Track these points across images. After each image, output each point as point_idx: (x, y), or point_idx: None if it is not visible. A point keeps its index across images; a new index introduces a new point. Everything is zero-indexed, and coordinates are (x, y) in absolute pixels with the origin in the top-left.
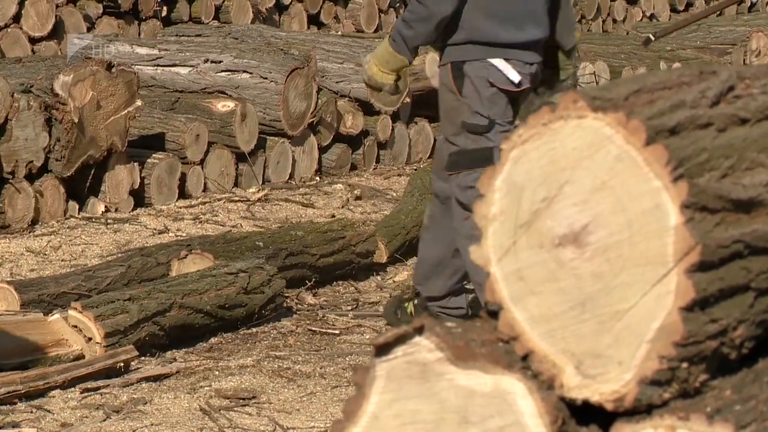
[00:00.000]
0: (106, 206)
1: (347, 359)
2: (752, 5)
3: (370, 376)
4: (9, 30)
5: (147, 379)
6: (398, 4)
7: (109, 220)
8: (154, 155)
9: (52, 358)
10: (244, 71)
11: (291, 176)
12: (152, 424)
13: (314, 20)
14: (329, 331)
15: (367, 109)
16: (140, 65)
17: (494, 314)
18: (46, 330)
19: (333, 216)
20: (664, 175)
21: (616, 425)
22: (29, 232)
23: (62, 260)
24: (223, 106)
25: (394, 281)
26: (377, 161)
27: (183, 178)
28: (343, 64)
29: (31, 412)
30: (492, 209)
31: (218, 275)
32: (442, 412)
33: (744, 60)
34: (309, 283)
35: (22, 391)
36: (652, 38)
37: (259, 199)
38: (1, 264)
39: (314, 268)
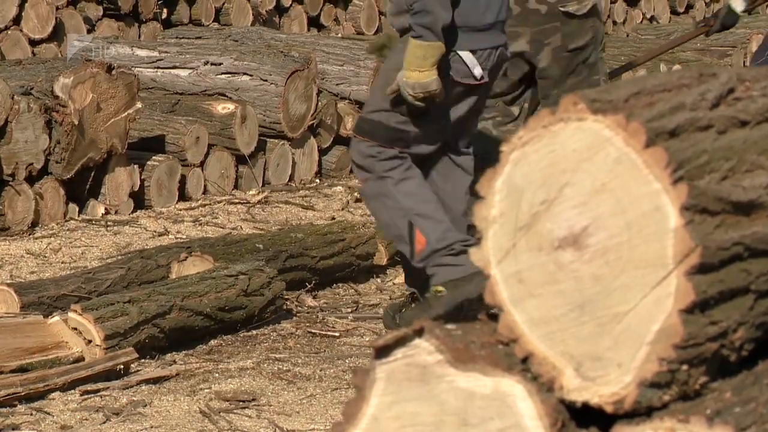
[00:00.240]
0: (106, 208)
1: (347, 361)
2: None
3: (370, 379)
4: (9, 32)
5: (147, 381)
6: None
7: (109, 223)
8: (154, 157)
9: (51, 360)
10: (244, 73)
11: (291, 178)
12: (152, 427)
13: (314, 22)
14: (329, 333)
15: None
16: (140, 67)
17: (494, 316)
18: (45, 332)
19: (333, 218)
20: (664, 178)
21: (616, 427)
22: (29, 235)
23: (62, 262)
24: (223, 108)
25: (394, 283)
26: None
27: (183, 181)
28: (343, 66)
29: (31, 414)
30: (492, 211)
31: (218, 277)
32: (442, 414)
33: (744, 62)
34: (309, 286)
35: (22, 394)
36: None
37: (259, 202)
38: (1, 266)
39: (314, 270)
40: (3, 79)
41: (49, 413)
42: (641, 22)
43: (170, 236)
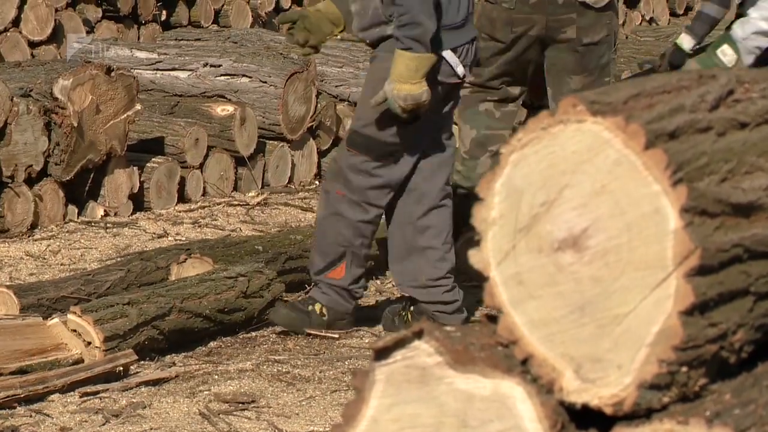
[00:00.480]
0: (105, 210)
1: (346, 363)
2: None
3: (370, 380)
4: (8, 34)
5: (146, 383)
6: None
7: (108, 224)
8: (153, 159)
9: (51, 362)
10: (244, 75)
11: (290, 180)
12: (151, 429)
13: None
14: (328, 335)
15: None
16: (139, 69)
17: (493, 318)
18: (45, 334)
19: None
20: (664, 179)
21: (616, 429)
22: (28, 236)
23: (61, 264)
24: (223, 110)
25: (394, 285)
26: None
27: (182, 182)
28: (342, 68)
29: (31, 416)
30: (491, 213)
31: (217, 279)
32: (442, 416)
33: None
34: (308, 287)
35: (22, 396)
36: None
37: (258, 203)
38: (0, 268)
39: None
40: (2, 81)
41: (48, 415)
42: (640, 23)
43: (169, 238)
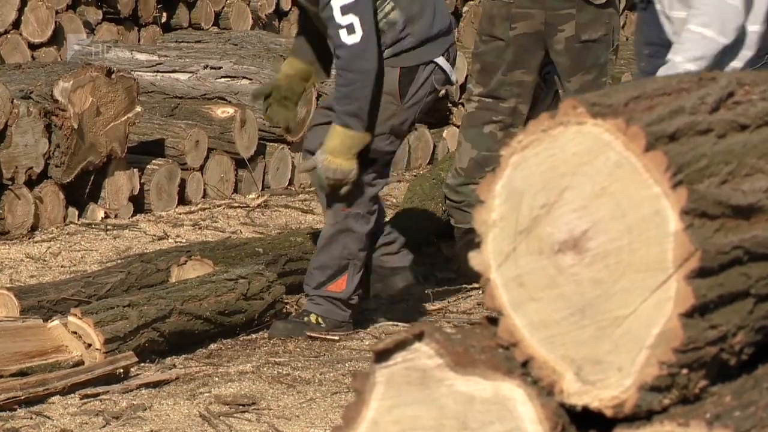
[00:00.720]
0: (105, 212)
1: (347, 365)
2: None
3: (370, 383)
4: (9, 36)
5: (146, 385)
6: None
7: (108, 227)
8: (153, 161)
9: (51, 364)
10: (244, 77)
11: (290, 182)
12: (152, 431)
13: None
14: (328, 337)
15: None
16: (140, 71)
17: (494, 320)
18: (45, 336)
19: None
20: (664, 181)
21: (616, 431)
22: (29, 239)
23: (62, 266)
24: (223, 112)
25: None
26: None
27: (182, 184)
28: None
29: (31, 418)
30: (492, 215)
31: (218, 281)
32: (442, 418)
33: None
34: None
35: (22, 398)
36: None
37: (258, 205)
38: (0, 270)
39: None
40: (3, 83)
41: (48, 417)
42: None
43: (170, 240)
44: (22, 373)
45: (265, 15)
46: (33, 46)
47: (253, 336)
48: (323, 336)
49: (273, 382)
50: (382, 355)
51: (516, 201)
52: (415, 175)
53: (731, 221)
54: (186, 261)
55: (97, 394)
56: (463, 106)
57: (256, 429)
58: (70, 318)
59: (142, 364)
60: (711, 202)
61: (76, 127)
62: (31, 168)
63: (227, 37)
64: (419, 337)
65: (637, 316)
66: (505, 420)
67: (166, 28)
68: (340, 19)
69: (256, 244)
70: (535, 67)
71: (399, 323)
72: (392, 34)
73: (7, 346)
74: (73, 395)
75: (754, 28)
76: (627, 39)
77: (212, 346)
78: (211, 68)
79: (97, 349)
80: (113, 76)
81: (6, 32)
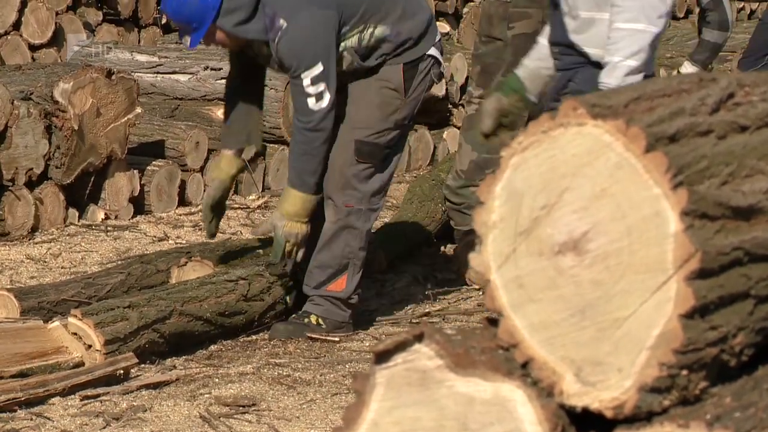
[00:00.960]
0: (105, 213)
1: (347, 366)
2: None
3: (370, 384)
4: (9, 37)
5: (147, 386)
6: None
7: (108, 228)
8: (153, 162)
9: (51, 365)
10: None
11: None
12: None
13: None
14: (329, 338)
15: None
16: (140, 72)
17: (494, 322)
18: (45, 337)
19: None
20: (664, 183)
21: None
22: (29, 240)
23: (62, 267)
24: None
25: (394, 288)
26: None
27: (183, 186)
28: None
29: (31, 419)
30: (492, 216)
31: (218, 282)
32: (442, 419)
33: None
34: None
35: (22, 399)
36: None
37: (259, 207)
38: (1, 271)
39: None
40: (3, 85)
41: (49, 418)
42: None
43: (170, 241)
44: (22, 375)
45: None
46: (33, 48)
47: (254, 337)
48: (323, 337)
49: (273, 384)
50: (382, 356)
51: (516, 202)
52: (415, 176)
53: (731, 222)
54: (186, 262)
55: (98, 396)
56: (464, 107)
57: (256, 430)
58: (71, 319)
59: (143, 366)
60: (711, 203)
61: (76, 128)
62: (32, 169)
63: None
64: (419, 338)
65: (637, 318)
66: (505, 421)
67: (167, 29)
68: (310, 89)
69: (257, 246)
70: None
71: (399, 324)
72: (388, 45)
73: (8, 347)
74: (73, 396)
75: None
76: None
77: (212, 347)
78: (212, 69)
79: (97, 350)
80: (113, 77)
81: (6, 33)
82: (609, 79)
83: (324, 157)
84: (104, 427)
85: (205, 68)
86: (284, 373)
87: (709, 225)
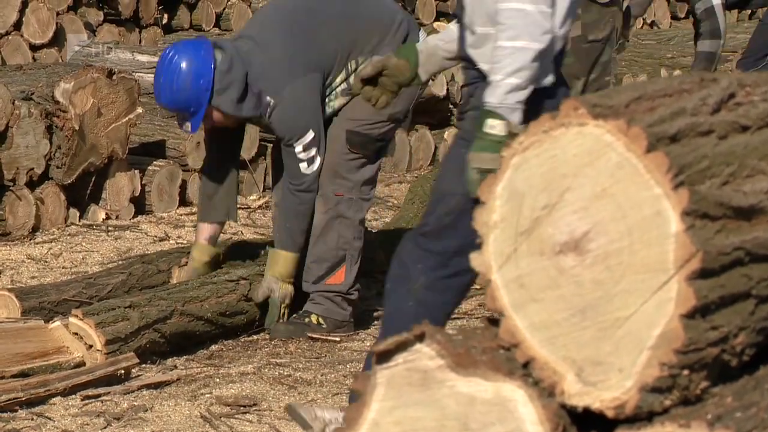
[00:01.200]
0: (106, 213)
1: (348, 366)
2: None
3: (371, 384)
4: (10, 37)
5: (148, 386)
6: None
7: (109, 228)
8: (154, 162)
9: (52, 365)
10: None
11: None
12: None
13: None
14: (330, 338)
15: None
16: (141, 72)
17: (495, 321)
18: (46, 337)
19: None
20: (665, 183)
21: None
22: (30, 240)
23: (63, 267)
24: None
25: None
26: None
27: (184, 186)
28: None
29: (32, 419)
30: (493, 216)
31: (219, 282)
32: (443, 419)
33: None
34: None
35: (23, 399)
36: None
37: (260, 207)
38: (1, 271)
39: None
40: (4, 85)
41: (50, 418)
42: (642, 27)
43: (171, 241)
44: (23, 374)
45: None
46: (34, 48)
47: (254, 337)
48: (324, 337)
49: (274, 384)
50: (383, 356)
51: (517, 202)
52: (416, 176)
53: (732, 222)
54: (187, 262)
55: (99, 395)
56: None
57: (257, 430)
58: (72, 319)
59: (143, 365)
60: (712, 203)
61: (77, 128)
62: (33, 169)
63: None
64: (420, 338)
65: (638, 317)
66: (506, 421)
67: (167, 29)
68: (302, 155)
69: (258, 246)
70: None
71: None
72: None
73: (9, 347)
74: (74, 396)
75: (554, 32)
76: (628, 40)
77: (213, 347)
78: None
79: (98, 350)
80: (114, 77)
81: (7, 33)
82: (491, 98)
83: (312, 215)
84: (105, 427)
85: None
86: (285, 373)
87: (710, 225)
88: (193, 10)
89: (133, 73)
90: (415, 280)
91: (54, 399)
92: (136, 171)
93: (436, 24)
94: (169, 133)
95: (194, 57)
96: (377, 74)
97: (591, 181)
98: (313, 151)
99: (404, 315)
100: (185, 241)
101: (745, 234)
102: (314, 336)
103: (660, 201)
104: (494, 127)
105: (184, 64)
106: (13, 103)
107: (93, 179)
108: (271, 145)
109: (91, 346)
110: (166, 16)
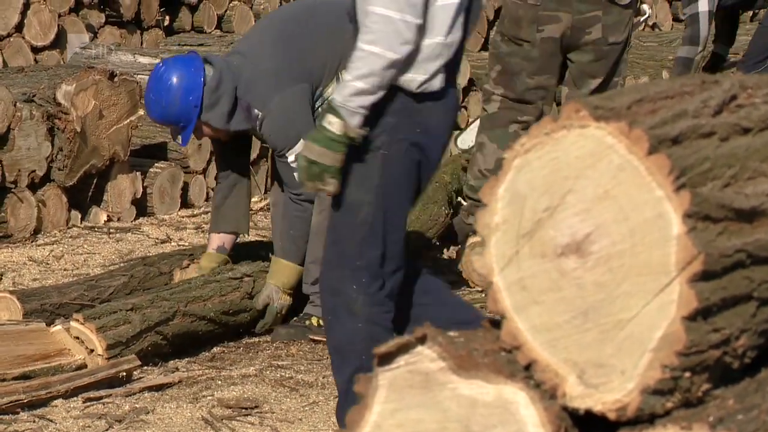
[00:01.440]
0: (108, 215)
1: None
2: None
3: (373, 386)
4: (11, 39)
5: (149, 388)
6: None
7: (111, 230)
8: (156, 164)
9: (54, 367)
10: None
11: None
12: None
13: None
14: None
15: None
16: (142, 74)
17: (497, 324)
18: (48, 339)
19: None
20: (667, 185)
21: None
22: (32, 242)
23: (65, 270)
24: None
25: None
26: None
27: (185, 188)
28: None
29: (34, 421)
30: (495, 218)
31: (222, 280)
32: (445, 421)
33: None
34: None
35: (25, 401)
36: None
37: (261, 209)
38: (3, 273)
39: None
40: (5, 87)
41: (51, 420)
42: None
43: (173, 243)
44: (24, 377)
45: None
46: (36, 50)
47: (256, 339)
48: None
49: (276, 386)
50: (384, 359)
51: (519, 204)
52: None
53: (734, 224)
54: (189, 264)
55: (100, 398)
56: (466, 109)
57: None
58: (73, 323)
59: (145, 368)
60: (714, 205)
61: (78, 130)
62: (34, 171)
63: (230, 41)
64: (422, 340)
65: (640, 320)
66: (507, 423)
67: (169, 31)
68: (295, 164)
69: (259, 248)
70: (557, 71)
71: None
72: None
73: (10, 350)
74: (75, 398)
75: (437, 40)
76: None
77: (215, 349)
78: None
79: (99, 354)
80: (116, 79)
81: (9, 35)
82: (337, 95)
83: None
84: (107, 430)
85: None
86: (287, 376)
87: (712, 227)
88: (195, 12)
89: (135, 75)
90: (355, 300)
91: (55, 401)
92: (137, 173)
93: None
94: (170, 135)
95: (185, 73)
96: None
97: (593, 183)
98: None
99: (357, 338)
100: (187, 244)
101: (746, 236)
102: (316, 338)
103: (662, 203)
104: (332, 124)
105: (174, 80)
106: (15, 105)
107: (94, 181)
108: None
109: (92, 350)
110: (167, 18)
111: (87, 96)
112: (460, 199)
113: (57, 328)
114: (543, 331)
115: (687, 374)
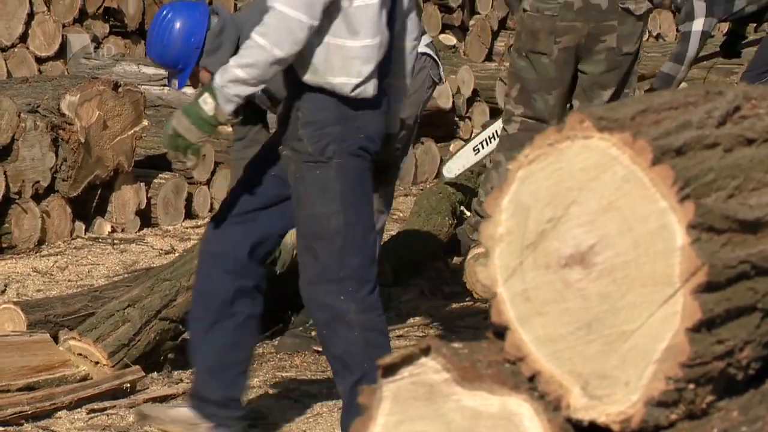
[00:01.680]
0: (112, 226)
1: None
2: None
3: (377, 398)
4: (16, 50)
5: (153, 399)
6: None
7: (115, 241)
8: (160, 175)
9: (58, 378)
10: None
11: None
12: None
13: None
14: None
15: None
16: (147, 85)
17: (501, 335)
18: (52, 350)
19: None
20: (671, 196)
21: None
22: (36, 253)
23: (69, 280)
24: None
25: (401, 301)
26: None
27: (189, 198)
28: None
29: None
30: (498, 230)
31: None
32: None
33: None
34: None
35: (29, 412)
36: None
37: None
38: (7, 284)
39: None
40: (10, 97)
41: (55, 431)
42: (647, 39)
43: (177, 254)
44: (29, 388)
45: None
46: (40, 60)
47: (260, 350)
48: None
49: (280, 397)
50: (388, 370)
51: (523, 215)
52: (421, 189)
53: (738, 236)
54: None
55: (104, 409)
56: (470, 119)
57: None
58: (71, 342)
59: (150, 376)
60: (718, 216)
61: (83, 140)
62: (38, 182)
63: None
64: (426, 351)
65: (644, 331)
66: None
67: None
68: None
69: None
70: (569, 81)
71: (406, 337)
72: None
73: (14, 361)
74: (79, 409)
75: (364, 42)
76: None
77: None
78: None
79: (104, 364)
80: (120, 89)
81: (13, 46)
82: (218, 77)
83: None
84: None
85: None
86: (291, 387)
87: (716, 238)
88: None
89: (139, 86)
90: (347, 311)
91: (60, 412)
92: (141, 184)
93: (441, 36)
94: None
95: (189, 17)
96: None
97: (597, 194)
98: None
99: (355, 347)
100: None
101: (750, 247)
102: (320, 349)
103: (666, 214)
104: (206, 103)
105: (178, 21)
106: (19, 116)
107: (99, 192)
108: None
109: (97, 363)
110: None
111: (91, 106)
112: (463, 208)
113: (61, 348)
114: (547, 342)
115: (691, 386)
